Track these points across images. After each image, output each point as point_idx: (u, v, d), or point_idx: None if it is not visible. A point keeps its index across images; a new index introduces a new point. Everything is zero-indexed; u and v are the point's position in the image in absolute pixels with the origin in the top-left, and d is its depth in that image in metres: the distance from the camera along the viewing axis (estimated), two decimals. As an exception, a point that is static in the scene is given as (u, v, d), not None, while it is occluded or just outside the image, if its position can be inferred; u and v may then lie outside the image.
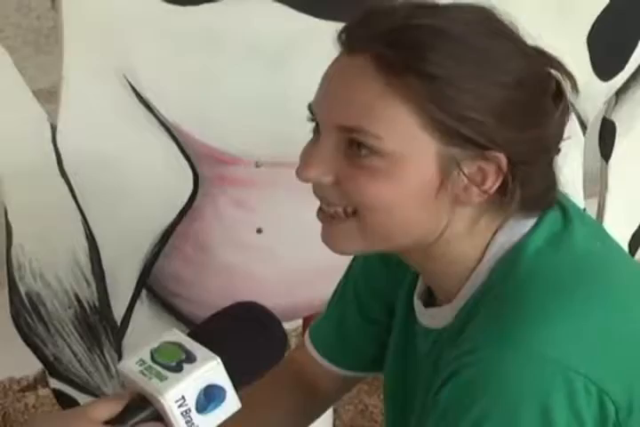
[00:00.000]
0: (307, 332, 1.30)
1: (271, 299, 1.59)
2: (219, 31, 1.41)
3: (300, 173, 0.97)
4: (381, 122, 0.92)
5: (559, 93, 0.98)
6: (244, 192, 1.51)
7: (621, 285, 0.99)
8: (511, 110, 0.93)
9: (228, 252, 1.54)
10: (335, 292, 1.28)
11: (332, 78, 0.97)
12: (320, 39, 1.44)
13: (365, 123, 0.92)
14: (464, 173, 0.93)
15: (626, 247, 1.89)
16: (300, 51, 1.45)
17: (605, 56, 1.65)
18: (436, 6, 0.97)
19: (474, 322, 0.97)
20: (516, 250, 0.98)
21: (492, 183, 0.95)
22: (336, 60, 0.98)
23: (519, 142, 0.94)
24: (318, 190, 0.99)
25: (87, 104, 1.39)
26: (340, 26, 1.43)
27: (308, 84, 1.45)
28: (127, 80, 1.39)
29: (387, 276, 1.20)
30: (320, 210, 1.01)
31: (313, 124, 1.00)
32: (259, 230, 1.54)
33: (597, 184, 1.84)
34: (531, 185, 0.96)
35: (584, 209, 1.77)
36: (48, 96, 1.41)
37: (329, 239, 1.02)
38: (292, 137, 1.47)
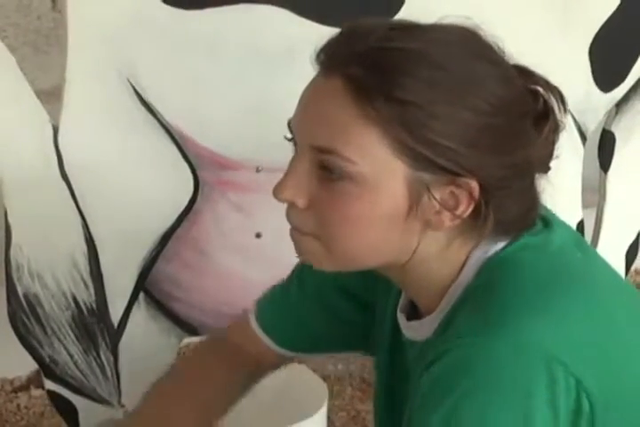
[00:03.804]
0: (252, 309, 1.26)
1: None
2: (222, 36, 1.41)
3: (277, 192, 0.99)
4: (353, 145, 0.92)
5: (545, 113, 0.98)
6: (244, 197, 1.52)
7: (602, 286, 0.99)
8: (485, 137, 0.92)
9: (226, 256, 1.54)
10: (293, 274, 1.27)
11: (308, 98, 0.98)
12: (323, 45, 1.46)
13: (337, 145, 0.93)
14: (435, 198, 0.93)
15: (623, 258, 1.90)
16: (303, 56, 1.43)
17: (607, 67, 1.66)
18: (417, 27, 0.96)
19: (456, 320, 0.97)
20: (495, 257, 0.99)
21: (465, 208, 0.95)
22: (313, 80, 0.98)
23: (492, 168, 0.94)
24: (291, 215, 1.00)
25: (89, 107, 1.39)
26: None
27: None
28: (130, 83, 1.39)
29: (363, 279, 1.19)
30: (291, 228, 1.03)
31: (293, 142, 1.01)
32: (258, 235, 1.54)
33: (596, 194, 1.84)
34: (506, 209, 0.96)
35: (581, 220, 1.78)
36: (47, 97, 1.41)
37: (302, 259, 1.04)
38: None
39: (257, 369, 1.28)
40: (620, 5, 1.63)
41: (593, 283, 0.98)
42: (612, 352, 0.94)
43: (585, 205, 1.78)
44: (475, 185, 0.93)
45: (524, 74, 0.98)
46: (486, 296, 0.95)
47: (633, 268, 1.99)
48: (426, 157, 0.91)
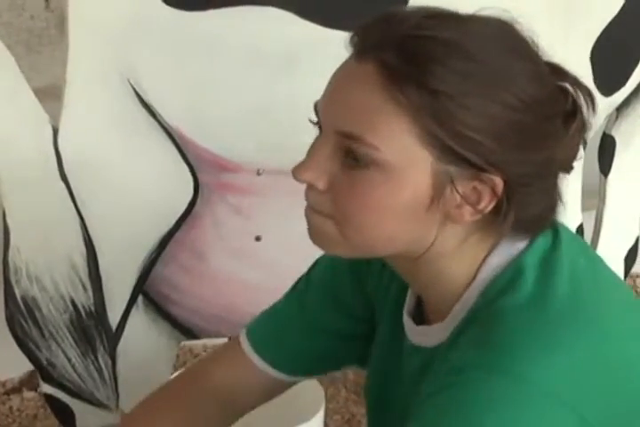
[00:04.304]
0: (244, 337, 1.21)
1: (267, 308, 1.58)
2: (224, 38, 1.40)
3: (297, 173, 0.96)
4: (380, 132, 0.90)
5: (574, 112, 0.96)
6: (244, 200, 1.51)
7: (608, 303, 0.97)
8: (513, 133, 0.91)
9: (225, 259, 1.53)
10: (292, 296, 1.24)
11: (337, 82, 0.95)
12: (325, 47, 1.44)
13: (364, 131, 0.91)
14: (457, 192, 0.92)
15: (622, 262, 1.89)
16: (305, 58, 1.44)
17: (608, 71, 1.65)
18: (454, 17, 0.94)
19: (465, 339, 0.95)
20: (513, 274, 0.96)
21: (487, 204, 0.93)
22: (345, 63, 0.96)
23: (518, 165, 0.92)
24: (309, 195, 0.97)
25: (90, 108, 1.38)
26: (344, 35, 1.43)
27: (313, 92, 1.45)
28: (131, 85, 1.38)
29: (358, 294, 1.18)
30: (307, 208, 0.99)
31: (318, 125, 0.98)
32: (257, 238, 1.53)
33: (595, 198, 1.84)
34: (527, 207, 0.95)
35: (581, 224, 1.78)
36: (40, 96, 1.40)
37: (315, 240, 1.00)
38: (295, 145, 1.47)
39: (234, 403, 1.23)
40: (622, 9, 1.63)
41: (599, 302, 0.96)
42: (616, 376, 0.92)
43: (584, 208, 1.78)
44: (499, 181, 0.92)
45: (556, 71, 0.96)
46: (499, 326, 0.93)
47: (633, 271, 1.98)
48: (453, 148, 0.90)
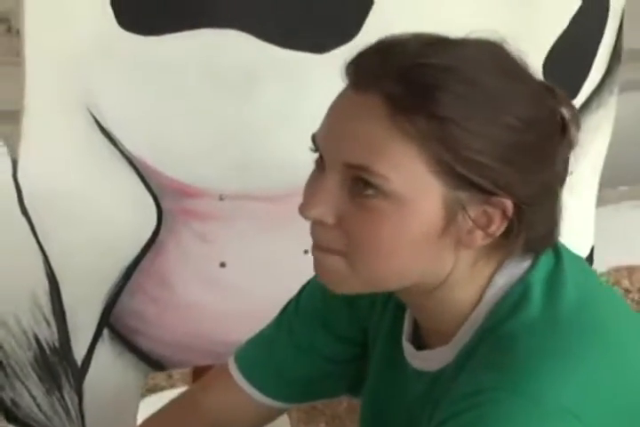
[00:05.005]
0: (233, 364, 1.21)
1: (235, 335, 1.56)
2: (183, 62, 1.37)
3: (304, 211, 0.95)
4: (389, 162, 0.90)
5: (563, 130, 0.97)
6: (208, 225, 1.48)
7: (611, 317, 0.99)
8: (518, 154, 0.92)
9: (191, 287, 1.49)
10: (280, 324, 1.22)
11: (338, 114, 0.95)
12: (284, 69, 1.43)
13: (373, 162, 0.90)
14: (470, 217, 0.92)
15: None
16: (265, 81, 1.43)
17: (559, 85, 1.66)
18: (447, 42, 0.95)
19: (476, 361, 0.95)
20: (520, 292, 0.97)
21: (498, 227, 0.94)
22: (343, 95, 0.95)
23: (526, 186, 0.93)
24: (317, 233, 0.96)
25: (49, 138, 1.34)
26: (302, 56, 1.42)
27: (273, 116, 1.44)
28: (90, 113, 1.34)
29: (349, 317, 1.17)
30: (313, 247, 0.98)
31: (317, 155, 0.97)
32: (222, 264, 1.50)
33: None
34: (536, 226, 0.96)
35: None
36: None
37: (325, 279, 0.99)
38: (257, 169, 1.46)
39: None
40: (570, 24, 1.64)
41: (604, 317, 0.97)
42: (624, 382, 0.93)
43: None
44: (509, 204, 0.92)
45: (547, 90, 0.98)
46: (513, 345, 0.93)
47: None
48: (462, 174, 0.90)
